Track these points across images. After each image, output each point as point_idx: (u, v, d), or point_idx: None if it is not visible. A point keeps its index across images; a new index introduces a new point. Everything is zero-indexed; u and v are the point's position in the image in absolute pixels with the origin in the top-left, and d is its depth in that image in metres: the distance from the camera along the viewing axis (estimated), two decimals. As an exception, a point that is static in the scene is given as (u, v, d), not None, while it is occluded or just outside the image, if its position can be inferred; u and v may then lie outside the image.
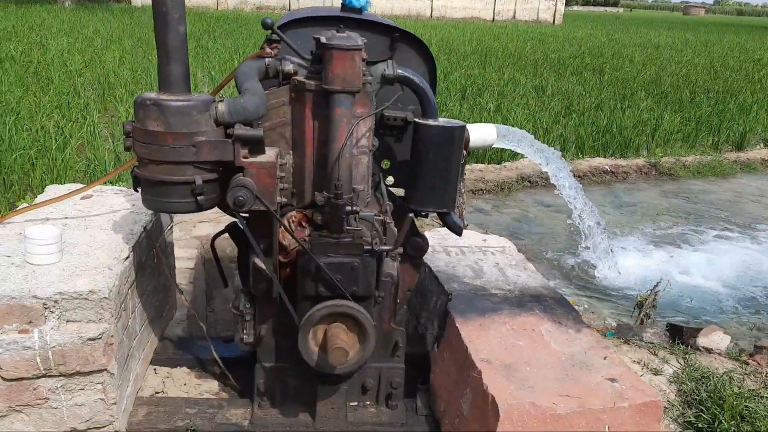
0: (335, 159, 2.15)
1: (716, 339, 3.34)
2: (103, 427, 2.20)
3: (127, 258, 2.31)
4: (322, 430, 2.44)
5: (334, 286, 2.17)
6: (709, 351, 3.29)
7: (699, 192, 7.35)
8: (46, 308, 2.04)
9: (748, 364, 3.20)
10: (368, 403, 2.55)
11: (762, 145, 9.17)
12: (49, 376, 2.08)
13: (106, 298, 2.08)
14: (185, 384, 2.70)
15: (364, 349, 2.17)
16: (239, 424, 2.45)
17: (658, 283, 3.79)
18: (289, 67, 2.24)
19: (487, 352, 2.31)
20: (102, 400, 2.16)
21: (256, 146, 2.10)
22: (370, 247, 2.18)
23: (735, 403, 2.75)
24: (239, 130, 2.03)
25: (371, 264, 2.20)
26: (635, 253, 5.28)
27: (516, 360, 2.28)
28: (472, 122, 4.32)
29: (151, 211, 2.69)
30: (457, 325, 2.46)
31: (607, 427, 2.12)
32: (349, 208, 2.14)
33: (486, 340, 2.38)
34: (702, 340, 3.34)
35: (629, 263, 4.91)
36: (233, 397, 2.62)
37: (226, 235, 2.49)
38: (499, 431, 2.05)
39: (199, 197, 2.08)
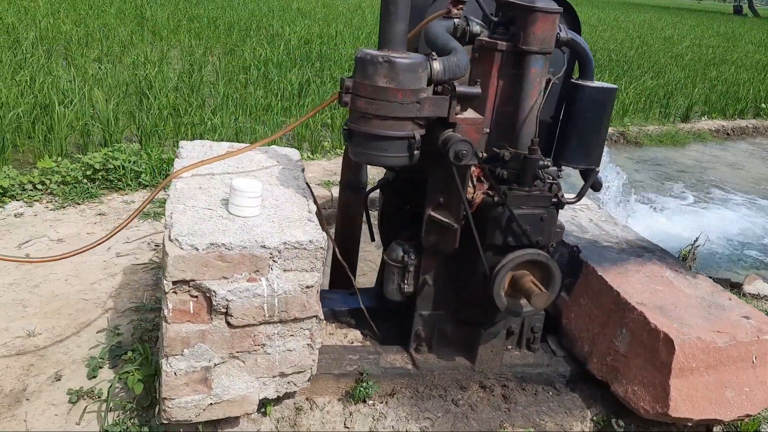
0: (525, 116, 2.31)
1: (759, 286, 3.79)
2: (304, 371, 2.29)
3: (315, 210, 2.38)
4: (481, 370, 2.63)
5: (521, 236, 2.35)
6: (756, 297, 3.73)
7: (666, 159, 7.97)
8: (271, 257, 2.10)
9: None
10: (510, 347, 2.77)
11: (706, 117, 9.96)
12: (269, 322, 2.15)
13: (321, 247, 2.16)
14: (331, 334, 2.80)
15: (552, 293, 2.38)
16: (404, 367, 2.60)
17: (697, 238, 4.20)
18: (476, 29, 2.37)
19: (637, 296, 2.57)
20: (309, 345, 2.25)
21: (465, 103, 2.22)
22: (556, 199, 2.37)
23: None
24: (461, 87, 2.15)
25: (554, 215, 2.39)
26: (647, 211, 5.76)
27: (663, 302, 2.55)
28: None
29: (301, 167, 2.75)
30: (600, 273, 2.70)
31: (754, 357, 2.45)
32: (542, 162, 2.32)
33: (630, 286, 2.64)
34: (748, 288, 3.77)
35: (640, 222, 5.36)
36: (385, 345, 2.75)
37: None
38: (675, 362, 2.32)
39: (415, 151, 2.19)
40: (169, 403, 2.09)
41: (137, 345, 2.65)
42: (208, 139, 5.93)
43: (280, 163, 2.76)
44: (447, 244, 2.43)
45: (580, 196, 2.47)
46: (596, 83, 2.55)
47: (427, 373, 2.59)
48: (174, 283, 2.03)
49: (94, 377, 2.59)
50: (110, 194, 4.70)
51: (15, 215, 4.24)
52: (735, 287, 3.84)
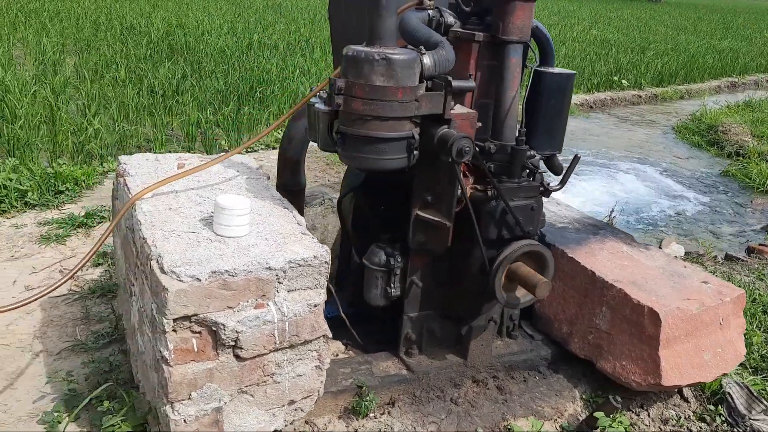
0: (508, 107, 2.30)
1: (675, 248, 4.10)
2: (312, 395, 2.14)
3: (303, 222, 2.21)
4: (473, 365, 2.60)
5: (515, 228, 2.34)
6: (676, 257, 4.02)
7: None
8: (277, 279, 1.92)
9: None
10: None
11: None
12: (279, 349, 1.97)
13: (326, 262, 2.01)
14: (310, 348, 2.64)
15: (549, 282, 2.39)
16: (399, 373, 2.51)
17: (613, 208, 4.45)
18: (450, 19, 2.31)
19: (611, 274, 2.66)
20: (318, 367, 2.10)
21: (456, 99, 2.15)
22: (542, 188, 2.38)
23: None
24: (456, 82, 2.07)
25: (542, 204, 2.40)
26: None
27: (634, 277, 2.67)
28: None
29: (265, 175, 2.54)
30: (571, 255, 2.76)
31: (721, 319, 2.63)
32: (530, 152, 2.31)
33: (601, 264, 2.73)
34: (666, 251, 4.06)
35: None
36: (369, 352, 2.64)
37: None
38: (662, 334, 2.43)
39: (414, 152, 2.09)
40: (179, 455, 1.86)
41: (102, 391, 2.33)
42: (92, 146, 5.42)
43: (241, 172, 2.54)
44: (438, 243, 2.36)
45: (563, 182, 2.50)
46: (558, 69, 2.58)
47: (423, 375, 2.52)
48: (175, 320, 1.79)
49: (53, 434, 2.26)
50: (-6, 218, 4.13)
51: None
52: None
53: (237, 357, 1.90)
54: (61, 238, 3.88)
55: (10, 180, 4.33)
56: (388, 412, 2.41)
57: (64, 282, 1.99)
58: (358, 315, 2.73)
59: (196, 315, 1.82)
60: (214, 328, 1.83)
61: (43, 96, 6.27)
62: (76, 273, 2.01)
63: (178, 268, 1.80)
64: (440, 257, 2.45)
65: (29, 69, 7.60)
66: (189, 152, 5.84)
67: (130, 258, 2.24)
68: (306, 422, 2.33)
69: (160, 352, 1.83)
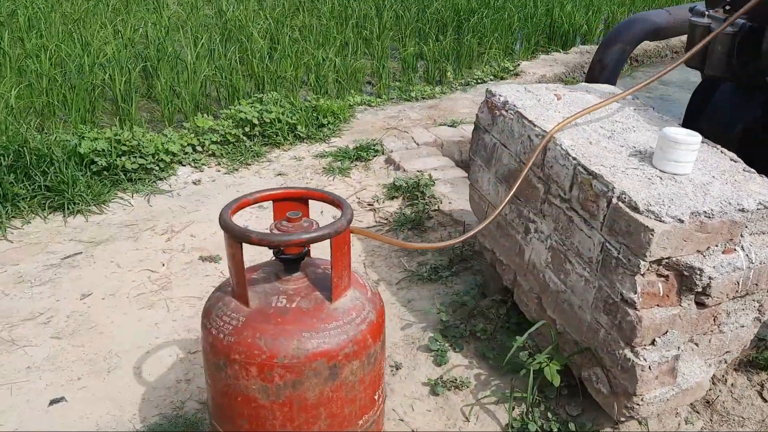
0: None
1: None
2: (743, 346, 1.99)
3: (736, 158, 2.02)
4: None
5: None
6: None
7: None
8: (746, 222, 1.76)
9: None
10: None
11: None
12: (735, 298, 1.83)
13: (786, 204, 1.81)
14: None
15: None
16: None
17: None
18: None
19: None
20: (757, 318, 1.94)
21: None
22: None
23: None
24: None
25: None
26: None
27: None
28: None
29: (648, 105, 2.36)
30: None
31: None
32: None
33: None
34: None
35: None
36: None
37: None
38: None
39: None
40: (638, 400, 1.79)
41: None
42: (329, 80, 5.44)
43: (628, 104, 2.37)
44: None
45: None
46: None
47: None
48: (651, 263, 1.69)
49: (444, 363, 2.30)
50: (273, 150, 4.28)
51: (193, 182, 3.84)
52: None
53: (698, 304, 1.78)
54: (345, 171, 3.95)
55: (282, 113, 4.45)
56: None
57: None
58: None
59: (669, 258, 1.70)
60: (686, 273, 1.71)
61: (267, 29, 6.36)
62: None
63: (654, 208, 1.67)
64: None
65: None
66: (428, 84, 5.77)
67: (529, 193, 2.15)
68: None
69: (622, 294, 1.74)
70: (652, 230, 1.63)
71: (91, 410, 2.23)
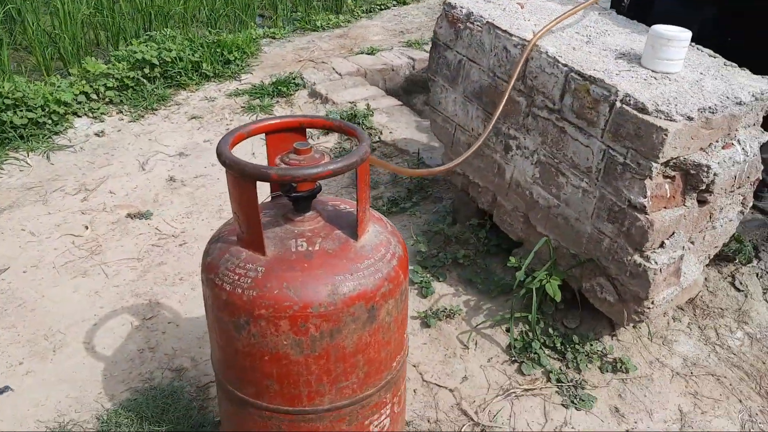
0: None
1: None
2: (727, 241, 2.03)
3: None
4: None
5: None
6: None
7: None
8: (743, 115, 1.75)
9: None
10: None
11: None
12: (729, 193, 1.84)
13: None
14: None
15: None
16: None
17: None
18: None
19: None
20: (741, 212, 1.98)
21: None
22: None
23: None
24: None
25: None
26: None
27: None
28: None
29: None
30: None
31: None
32: None
33: None
34: None
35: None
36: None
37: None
38: None
39: None
40: (648, 303, 1.78)
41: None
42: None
43: (590, 8, 2.29)
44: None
45: None
46: None
47: (774, 219, 2.42)
48: (663, 164, 1.65)
49: (430, 295, 2.20)
50: (179, 92, 3.90)
51: (96, 134, 3.42)
52: None
53: (699, 202, 1.78)
54: (267, 108, 3.67)
55: (182, 51, 4.04)
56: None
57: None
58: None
59: (677, 158, 1.67)
60: (693, 171, 1.69)
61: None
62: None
63: (663, 107, 1.63)
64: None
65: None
66: (329, 12, 5.44)
67: (508, 108, 2.05)
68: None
69: (630, 200, 1.71)
70: (666, 130, 1.59)
71: (45, 396, 1.95)
